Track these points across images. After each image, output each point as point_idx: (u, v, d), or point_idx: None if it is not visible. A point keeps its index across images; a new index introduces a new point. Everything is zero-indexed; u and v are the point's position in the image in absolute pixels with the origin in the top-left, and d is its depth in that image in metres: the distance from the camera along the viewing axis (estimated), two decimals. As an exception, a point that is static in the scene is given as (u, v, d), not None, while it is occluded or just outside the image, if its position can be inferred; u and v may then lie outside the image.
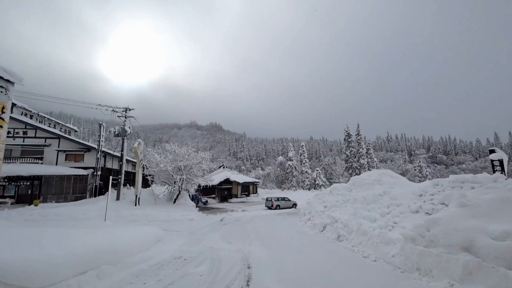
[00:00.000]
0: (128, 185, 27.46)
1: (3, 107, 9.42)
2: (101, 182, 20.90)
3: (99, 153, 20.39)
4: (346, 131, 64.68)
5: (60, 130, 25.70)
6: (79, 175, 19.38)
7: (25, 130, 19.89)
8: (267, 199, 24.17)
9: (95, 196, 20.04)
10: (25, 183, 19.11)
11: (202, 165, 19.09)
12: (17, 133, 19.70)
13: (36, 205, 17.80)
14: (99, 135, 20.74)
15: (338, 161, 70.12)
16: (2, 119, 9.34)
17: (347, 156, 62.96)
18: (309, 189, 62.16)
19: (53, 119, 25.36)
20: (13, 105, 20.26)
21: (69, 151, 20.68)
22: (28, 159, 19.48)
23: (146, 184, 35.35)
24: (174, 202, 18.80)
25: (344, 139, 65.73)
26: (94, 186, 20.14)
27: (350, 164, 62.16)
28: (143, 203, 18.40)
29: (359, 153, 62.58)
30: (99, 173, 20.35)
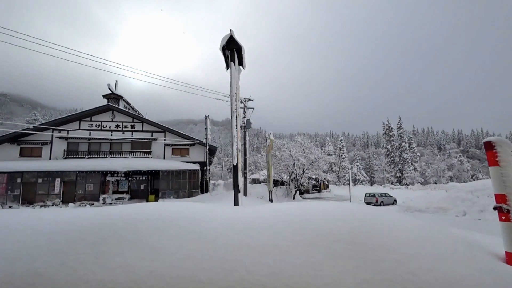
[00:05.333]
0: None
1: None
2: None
3: (207, 147, 19.52)
4: (387, 125, 62.79)
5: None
6: (192, 170, 18.55)
7: (132, 123, 19.09)
8: (366, 195, 22.98)
9: (206, 192, 19.25)
10: (137, 178, 18.41)
11: (325, 159, 17.99)
12: (126, 126, 18.91)
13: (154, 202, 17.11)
14: (206, 128, 19.84)
15: (380, 157, 68.39)
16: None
17: (388, 150, 61.22)
18: (348, 184, 60.66)
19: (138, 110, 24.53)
20: (119, 97, 19.43)
21: (175, 145, 19.86)
22: (138, 153, 18.72)
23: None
24: (293, 198, 17.84)
25: (384, 133, 63.80)
26: (204, 181, 19.33)
27: (391, 158, 60.51)
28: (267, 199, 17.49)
29: (402, 147, 60.76)
30: (208, 167, 19.53)
